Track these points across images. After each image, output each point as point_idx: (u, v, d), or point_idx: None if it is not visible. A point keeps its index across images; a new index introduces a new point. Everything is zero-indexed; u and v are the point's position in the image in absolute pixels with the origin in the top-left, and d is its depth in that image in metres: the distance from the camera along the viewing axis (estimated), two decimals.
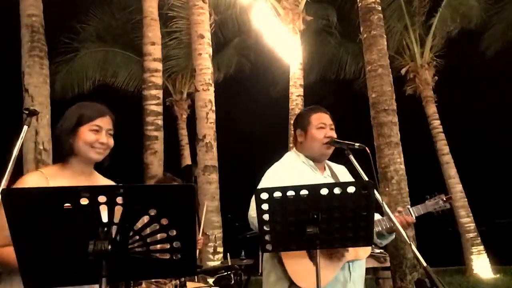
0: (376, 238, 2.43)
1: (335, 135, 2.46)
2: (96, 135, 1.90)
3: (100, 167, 2.03)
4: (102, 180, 2.04)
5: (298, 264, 2.20)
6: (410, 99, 10.90)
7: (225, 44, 12.12)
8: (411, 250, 2.15)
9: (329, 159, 2.60)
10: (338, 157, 2.52)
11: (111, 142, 1.95)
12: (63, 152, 1.91)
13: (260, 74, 13.17)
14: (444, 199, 2.54)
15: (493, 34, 11.33)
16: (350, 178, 2.56)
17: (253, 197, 2.32)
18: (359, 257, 2.35)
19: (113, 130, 1.98)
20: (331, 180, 2.47)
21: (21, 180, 1.86)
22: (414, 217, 2.40)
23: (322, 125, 2.44)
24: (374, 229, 2.29)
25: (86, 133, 1.89)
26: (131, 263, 1.49)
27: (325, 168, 2.53)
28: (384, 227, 2.39)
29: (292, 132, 2.66)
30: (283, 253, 2.22)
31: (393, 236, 2.49)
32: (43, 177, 1.87)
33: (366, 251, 2.36)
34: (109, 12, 11.28)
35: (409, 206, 2.48)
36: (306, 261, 2.20)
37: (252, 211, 2.30)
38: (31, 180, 1.86)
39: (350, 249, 2.28)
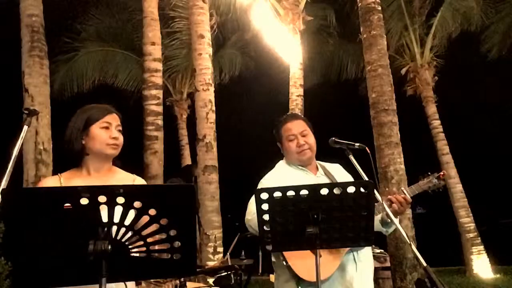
0: (381, 227, 2.39)
1: (310, 140, 2.45)
2: (107, 132, 1.95)
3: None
4: (120, 174, 2.04)
5: (301, 260, 2.21)
6: (410, 99, 10.90)
7: (225, 45, 12.12)
8: (411, 250, 2.14)
9: (327, 160, 2.60)
10: (339, 157, 2.52)
11: (121, 138, 1.99)
12: (75, 154, 1.94)
13: (261, 74, 13.16)
14: (438, 175, 2.46)
15: (495, 35, 11.33)
16: (347, 175, 2.55)
17: (250, 200, 2.33)
18: None
19: (121, 127, 2.02)
20: (325, 179, 2.47)
21: (40, 182, 2.03)
22: (409, 197, 2.31)
23: (291, 137, 2.45)
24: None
25: (97, 131, 1.93)
26: (131, 263, 1.50)
27: (317, 168, 2.53)
28: (379, 212, 2.33)
29: None
30: (285, 252, 2.23)
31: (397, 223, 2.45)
32: (57, 180, 1.93)
33: None
34: (109, 12, 11.27)
35: (402, 188, 2.44)
36: (308, 255, 2.19)
37: (249, 215, 2.31)
38: (46, 183, 1.98)
39: None
